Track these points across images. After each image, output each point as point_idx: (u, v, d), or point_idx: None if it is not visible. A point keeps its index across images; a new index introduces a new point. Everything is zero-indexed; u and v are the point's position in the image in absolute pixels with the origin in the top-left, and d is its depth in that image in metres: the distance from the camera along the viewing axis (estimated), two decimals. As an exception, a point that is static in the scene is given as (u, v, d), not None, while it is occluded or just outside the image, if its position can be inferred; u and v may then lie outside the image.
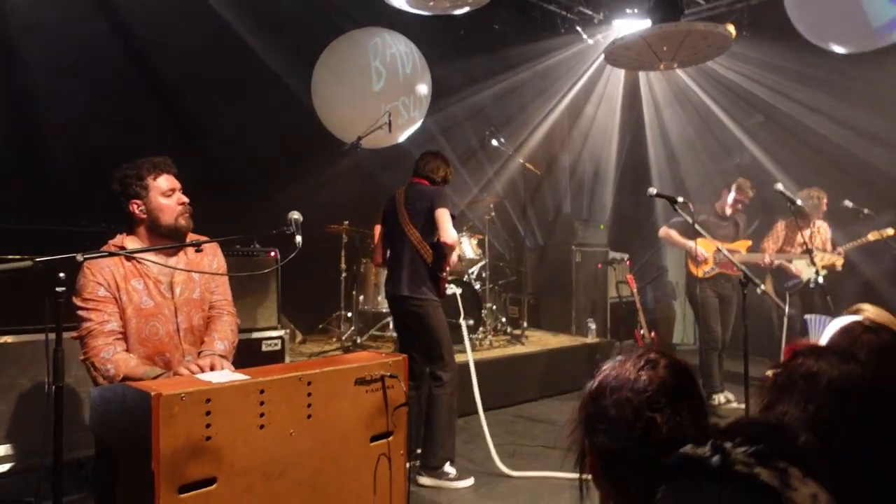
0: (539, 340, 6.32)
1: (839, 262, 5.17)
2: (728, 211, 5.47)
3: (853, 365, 1.32)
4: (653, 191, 3.74)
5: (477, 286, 5.88)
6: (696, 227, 3.67)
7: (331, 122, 5.90)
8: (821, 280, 4.18)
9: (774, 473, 0.74)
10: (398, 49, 5.81)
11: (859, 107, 6.12)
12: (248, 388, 1.89)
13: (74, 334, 2.30)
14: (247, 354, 3.74)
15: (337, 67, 5.73)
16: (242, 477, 1.83)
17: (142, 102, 5.08)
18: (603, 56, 6.34)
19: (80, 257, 2.02)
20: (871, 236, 5.17)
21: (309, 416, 2.00)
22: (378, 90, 5.74)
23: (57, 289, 1.94)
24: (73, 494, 3.10)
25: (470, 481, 3.69)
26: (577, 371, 5.81)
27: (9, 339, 3.40)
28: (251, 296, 4.24)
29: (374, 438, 2.20)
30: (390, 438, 2.24)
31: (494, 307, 6.23)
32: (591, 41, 7.53)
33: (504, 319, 6.37)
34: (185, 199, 2.52)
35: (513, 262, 7.53)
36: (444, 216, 3.67)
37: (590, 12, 7.20)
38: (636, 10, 6.87)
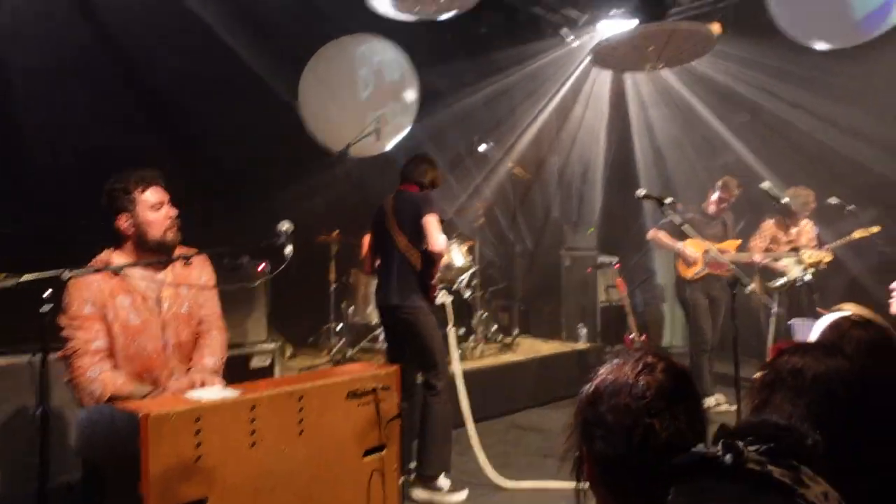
0: (530, 347, 6.30)
1: (827, 258, 5.20)
2: (714, 210, 5.49)
3: (839, 359, 1.33)
4: (641, 192, 3.73)
5: (467, 294, 5.86)
6: (685, 227, 3.66)
7: (318, 131, 5.87)
8: (808, 278, 4.20)
9: (787, 471, 0.74)
10: (385, 56, 5.79)
11: (842, 103, 6.17)
12: (238, 405, 1.86)
13: (59, 354, 2.26)
14: (236, 370, 3.69)
15: (324, 75, 5.71)
16: (234, 496, 1.81)
17: (128, 111, 5.02)
18: (589, 57, 6.38)
19: (65, 275, 1.98)
20: (857, 234, 5.20)
21: (301, 432, 1.98)
22: (365, 98, 5.72)
23: (42, 308, 1.91)
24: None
25: (464, 494, 3.65)
26: (568, 377, 5.80)
27: (-9, 360, 3.33)
28: (240, 310, 4.20)
29: (367, 453, 2.18)
30: (383, 452, 2.23)
31: (485, 315, 6.21)
32: (576, 43, 7.55)
33: (495, 327, 6.35)
34: (174, 213, 2.49)
35: (503, 269, 7.51)
36: (431, 223, 3.65)
37: (574, 14, 7.22)
38: (621, 11, 6.89)
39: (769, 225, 5.64)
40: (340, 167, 5.57)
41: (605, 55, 5.77)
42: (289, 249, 2.39)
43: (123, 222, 2.39)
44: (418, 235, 3.71)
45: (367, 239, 4.18)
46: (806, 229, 5.57)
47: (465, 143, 6.94)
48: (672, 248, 5.47)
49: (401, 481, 2.29)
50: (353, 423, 2.13)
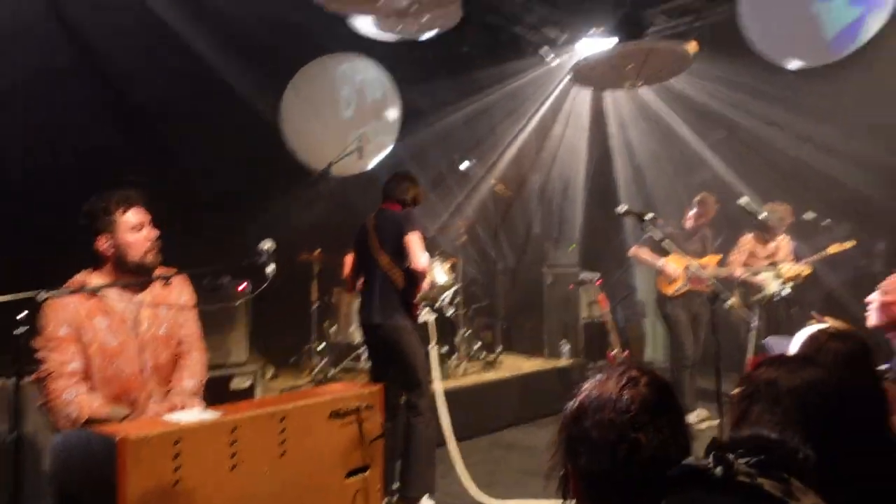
0: (513, 364, 6.29)
1: (806, 271, 5.27)
2: (692, 226, 5.56)
3: (812, 370, 1.35)
4: (622, 208, 3.77)
5: (450, 312, 5.85)
6: (665, 243, 3.69)
7: (300, 149, 5.87)
8: (786, 292, 4.26)
9: (777, 483, 0.74)
10: (367, 75, 5.82)
11: (814, 121, 6.30)
12: (218, 427, 1.83)
13: (33, 377, 2.21)
14: (217, 391, 3.62)
15: (306, 94, 5.72)
16: (214, 521, 1.77)
17: (108, 129, 4.98)
18: (569, 76, 6.47)
19: (41, 296, 1.94)
20: (833, 248, 5.29)
21: (283, 454, 1.95)
22: (348, 116, 5.74)
23: (17, 330, 1.87)
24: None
25: (448, 515, 3.62)
26: (552, 394, 5.78)
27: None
28: (220, 330, 4.15)
29: (350, 474, 2.15)
30: (366, 473, 2.19)
31: (468, 332, 6.19)
32: (556, 62, 7.65)
33: (478, 345, 6.33)
34: (154, 234, 2.45)
35: (485, 286, 7.51)
36: (414, 242, 3.64)
37: (554, 34, 7.32)
38: (600, 30, 6.99)
39: (748, 239, 5.71)
40: (323, 186, 5.55)
41: (585, 74, 5.86)
42: (271, 268, 2.38)
43: (103, 243, 2.35)
44: (401, 254, 3.70)
45: (348, 258, 4.16)
46: (783, 244, 5.65)
47: (446, 161, 6.98)
48: (654, 264, 5.52)
49: (384, 503, 2.26)
50: (336, 444, 2.10)
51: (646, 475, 1.06)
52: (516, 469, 4.42)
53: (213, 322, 3.87)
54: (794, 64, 5.23)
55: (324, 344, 5.61)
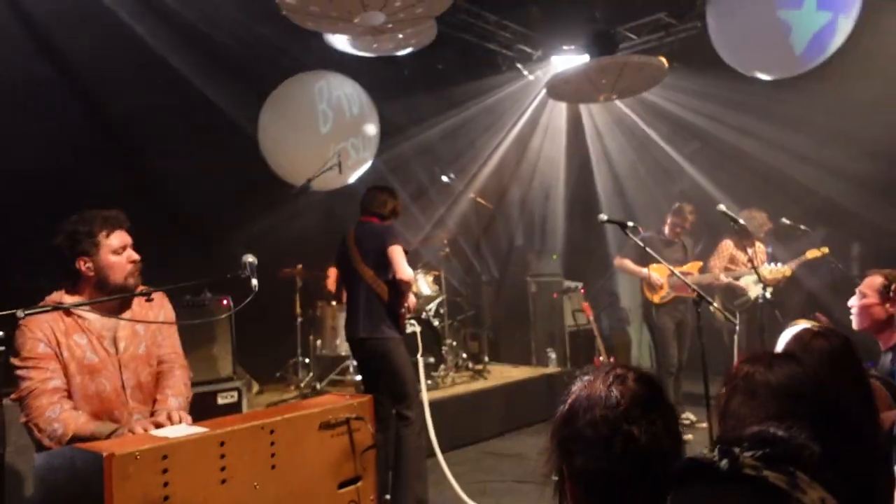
0: (501, 374, 6.31)
1: (786, 272, 5.36)
2: (670, 235, 5.64)
3: (788, 366, 1.37)
4: (603, 217, 3.80)
5: (436, 323, 5.84)
6: (649, 250, 3.74)
7: (279, 166, 5.84)
8: (768, 295, 4.32)
9: (783, 476, 0.74)
10: (344, 91, 5.84)
11: (786, 129, 6.45)
12: (207, 441, 1.79)
13: (14, 396, 2.15)
14: (202, 409, 3.56)
15: (283, 111, 5.72)
16: (205, 536, 1.73)
17: (86, 146, 4.94)
18: (545, 90, 6.56)
19: (20, 314, 1.90)
20: (809, 254, 5.38)
21: (273, 467, 1.92)
22: (326, 132, 5.73)
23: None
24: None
25: (441, 525, 3.59)
26: (540, 402, 5.80)
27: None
28: (204, 346, 4.10)
29: (341, 485, 2.12)
30: (359, 484, 2.17)
31: (454, 343, 6.19)
32: (531, 77, 7.76)
33: (465, 355, 6.34)
34: (136, 257, 2.40)
35: (470, 297, 7.53)
36: (397, 253, 3.64)
37: (528, 50, 7.43)
38: (573, 47, 7.12)
39: (728, 245, 5.80)
40: (303, 201, 5.54)
41: (560, 88, 5.94)
42: (255, 282, 2.35)
43: (83, 265, 2.30)
44: (383, 266, 3.69)
45: (332, 271, 4.15)
46: (759, 250, 5.74)
47: (427, 174, 7.01)
48: (639, 274, 5.58)
49: (377, 514, 2.23)
50: (327, 456, 2.07)
51: (643, 470, 1.06)
52: (508, 477, 4.41)
53: (197, 338, 3.83)
54: (763, 76, 5.35)
55: (309, 358, 5.57)
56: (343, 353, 5.56)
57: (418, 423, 3.65)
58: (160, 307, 2.56)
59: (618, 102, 6.93)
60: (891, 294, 2.62)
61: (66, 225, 2.32)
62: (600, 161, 8.00)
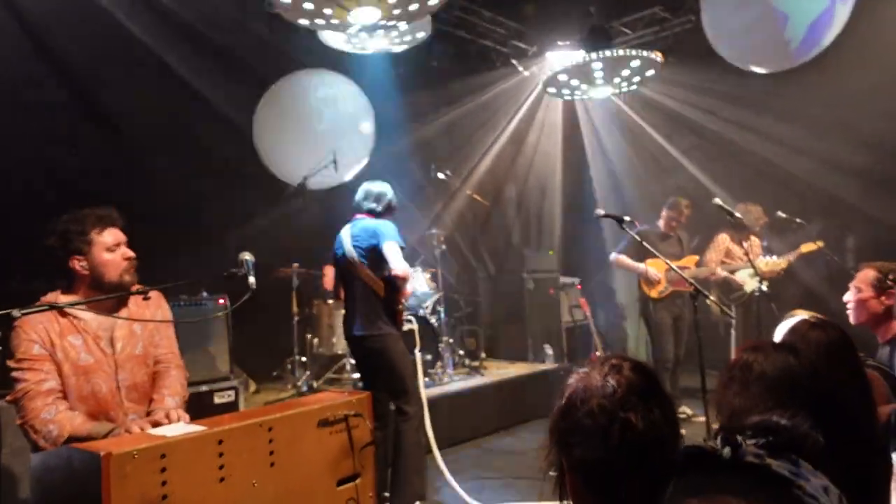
0: (498, 370, 6.30)
1: (782, 265, 5.37)
2: (666, 229, 5.64)
3: (782, 356, 1.37)
4: (600, 212, 3.81)
5: (432, 320, 5.84)
6: (646, 244, 3.74)
7: (275, 165, 5.83)
8: (765, 289, 4.33)
9: (785, 464, 0.74)
10: (339, 89, 5.82)
11: (782, 121, 6.46)
12: (205, 439, 1.79)
13: (9, 397, 2.14)
14: (199, 408, 3.54)
15: (279, 110, 5.70)
16: (204, 535, 1.72)
17: (83, 144, 4.91)
18: (541, 87, 6.55)
19: (15, 313, 1.89)
20: (804, 248, 5.39)
21: (272, 464, 1.91)
22: (321, 130, 5.72)
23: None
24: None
25: (440, 522, 3.59)
26: (537, 398, 5.80)
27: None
28: (201, 346, 4.09)
29: (340, 482, 2.11)
30: (358, 481, 2.16)
31: (451, 340, 6.19)
32: (526, 73, 7.75)
33: (462, 352, 6.34)
34: (131, 254, 2.38)
35: (467, 294, 7.54)
36: (392, 249, 3.63)
37: (523, 45, 7.43)
38: (568, 42, 7.12)
39: (724, 238, 5.81)
40: (299, 199, 5.53)
41: (556, 85, 5.93)
42: (252, 280, 2.34)
43: (76, 264, 2.28)
44: (379, 263, 3.69)
45: (328, 269, 4.14)
46: (755, 244, 5.75)
47: (423, 172, 7.00)
48: (636, 270, 5.57)
49: (376, 511, 2.23)
50: (326, 453, 2.07)
51: (641, 458, 1.05)
52: (506, 473, 4.41)
53: (194, 338, 3.82)
54: (758, 69, 5.35)
55: (306, 357, 5.56)
56: (340, 352, 5.55)
57: (417, 419, 3.65)
58: (157, 307, 2.55)
59: (613, 97, 6.92)
60: (885, 286, 2.62)
61: (58, 224, 2.30)
62: (596, 156, 8.00)
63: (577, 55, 6.31)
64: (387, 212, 3.91)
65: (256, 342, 5.33)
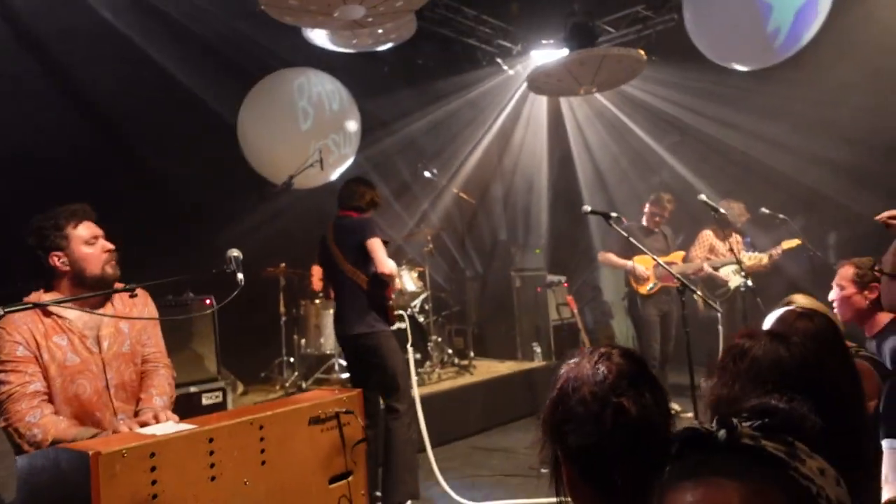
0: (487, 369, 6.31)
1: (764, 259, 5.42)
2: (650, 224, 5.67)
3: (772, 345, 1.38)
4: (587, 208, 3.81)
5: (421, 319, 5.83)
6: (632, 240, 3.76)
7: (259, 164, 5.78)
8: (750, 283, 4.36)
9: (781, 446, 0.74)
10: (324, 87, 5.79)
11: (764, 118, 6.53)
12: (195, 437, 1.76)
13: (-7, 399, 2.10)
14: (187, 409, 3.53)
15: (262, 109, 5.66)
16: (195, 535, 1.70)
17: (65, 140, 4.84)
18: (525, 84, 6.57)
19: (0, 311, 1.85)
20: (785, 244, 5.45)
21: (263, 463, 1.89)
22: (306, 129, 5.69)
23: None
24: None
25: (432, 520, 3.58)
26: (526, 396, 5.81)
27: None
28: (188, 347, 4.05)
29: (332, 480, 2.09)
30: (350, 479, 2.14)
31: (440, 339, 6.19)
32: (511, 72, 7.77)
33: (450, 351, 6.33)
34: (110, 246, 2.36)
35: (454, 293, 7.54)
36: (376, 246, 3.61)
37: (508, 44, 7.45)
38: (552, 41, 7.15)
39: (707, 234, 5.85)
40: (284, 199, 5.49)
41: (540, 81, 5.95)
42: (241, 276, 2.32)
43: (57, 261, 2.25)
44: (364, 260, 3.67)
45: (315, 269, 4.12)
46: (736, 241, 5.80)
47: (409, 170, 6.99)
48: (624, 267, 5.59)
49: (368, 509, 2.21)
50: (317, 451, 2.05)
51: (635, 442, 1.06)
52: (496, 471, 4.41)
53: (180, 339, 3.78)
54: (740, 66, 5.40)
55: (294, 357, 5.53)
56: (328, 352, 5.53)
57: (408, 416, 3.63)
58: (144, 305, 2.52)
59: (597, 95, 6.96)
60: (867, 280, 2.65)
61: (32, 223, 2.28)
62: (582, 154, 8.04)
63: (561, 53, 6.35)
64: (370, 207, 3.87)
65: (243, 343, 5.29)
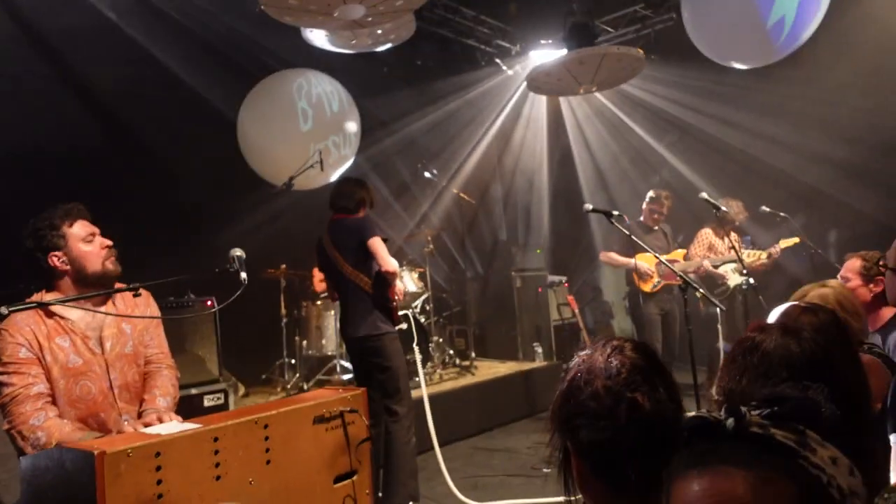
0: (488, 369, 6.30)
1: (764, 255, 5.41)
2: (649, 222, 5.66)
3: (781, 338, 1.37)
4: (588, 206, 3.80)
5: (422, 320, 5.82)
6: (634, 238, 3.75)
7: (259, 165, 5.78)
8: (752, 281, 4.36)
9: (791, 434, 0.73)
10: (323, 88, 5.79)
11: (764, 117, 6.54)
12: (200, 436, 1.75)
13: (-4, 402, 2.09)
14: (189, 411, 3.51)
15: (262, 110, 5.65)
16: (201, 534, 1.69)
17: (66, 142, 4.83)
18: (525, 84, 6.57)
19: (3, 310, 1.84)
20: (783, 243, 5.44)
21: (268, 462, 1.88)
22: (306, 130, 5.68)
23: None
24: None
25: (435, 521, 3.57)
26: (527, 396, 5.80)
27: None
28: (190, 348, 4.04)
29: (337, 479, 2.09)
30: (354, 478, 2.14)
31: (441, 339, 6.18)
32: (510, 72, 7.77)
33: (451, 351, 6.32)
34: (108, 242, 2.35)
35: (455, 294, 7.53)
36: (377, 245, 3.59)
37: (507, 44, 7.45)
38: (550, 41, 7.15)
39: (706, 233, 5.84)
40: (285, 200, 5.49)
41: (540, 81, 5.94)
42: (244, 275, 2.31)
43: (56, 260, 2.24)
44: (364, 261, 3.65)
45: (316, 272, 4.11)
46: (734, 239, 5.80)
47: (409, 171, 6.99)
48: (626, 265, 5.57)
49: (373, 508, 2.20)
50: (322, 450, 2.04)
51: (649, 437, 1.05)
52: (499, 471, 4.40)
53: (182, 340, 3.77)
54: (739, 65, 5.40)
55: (295, 359, 5.52)
56: (329, 353, 5.51)
57: (408, 419, 3.61)
58: (146, 306, 2.51)
59: (597, 94, 6.96)
60: (873, 274, 2.65)
61: (28, 225, 2.28)
62: (582, 153, 8.04)
63: (560, 53, 6.34)
64: (364, 205, 3.83)
65: (245, 345, 5.28)
